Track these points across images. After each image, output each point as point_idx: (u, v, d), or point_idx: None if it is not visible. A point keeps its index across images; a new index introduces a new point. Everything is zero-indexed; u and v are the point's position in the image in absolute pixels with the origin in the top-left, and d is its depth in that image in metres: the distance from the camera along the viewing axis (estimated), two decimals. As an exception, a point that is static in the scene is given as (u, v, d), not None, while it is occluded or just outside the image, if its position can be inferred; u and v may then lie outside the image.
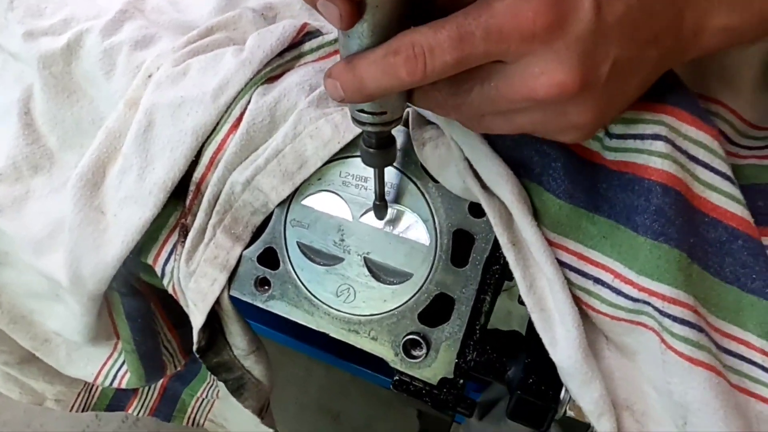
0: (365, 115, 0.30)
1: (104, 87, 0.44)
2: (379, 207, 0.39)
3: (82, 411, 0.87)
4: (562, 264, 0.36)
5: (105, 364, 0.64)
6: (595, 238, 0.35)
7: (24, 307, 0.59)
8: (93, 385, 0.86)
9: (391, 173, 0.40)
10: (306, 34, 0.43)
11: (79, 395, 0.86)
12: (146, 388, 0.92)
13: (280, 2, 0.47)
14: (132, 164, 0.41)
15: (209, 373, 0.91)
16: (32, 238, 0.46)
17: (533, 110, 0.28)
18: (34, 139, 0.47)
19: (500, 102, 0.28)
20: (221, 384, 0.87)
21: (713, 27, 0.29)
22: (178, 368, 0.75)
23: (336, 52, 0.43)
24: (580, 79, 0.26)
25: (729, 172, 0.34)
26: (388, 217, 0.39)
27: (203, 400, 0.96)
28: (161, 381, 0.92)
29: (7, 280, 0.56)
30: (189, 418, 0.97)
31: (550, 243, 0.35)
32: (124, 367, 0.64)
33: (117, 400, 0.91)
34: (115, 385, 0.66)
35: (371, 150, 0.34)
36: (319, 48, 0.43)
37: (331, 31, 0.44)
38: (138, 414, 0.92)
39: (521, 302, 0.47)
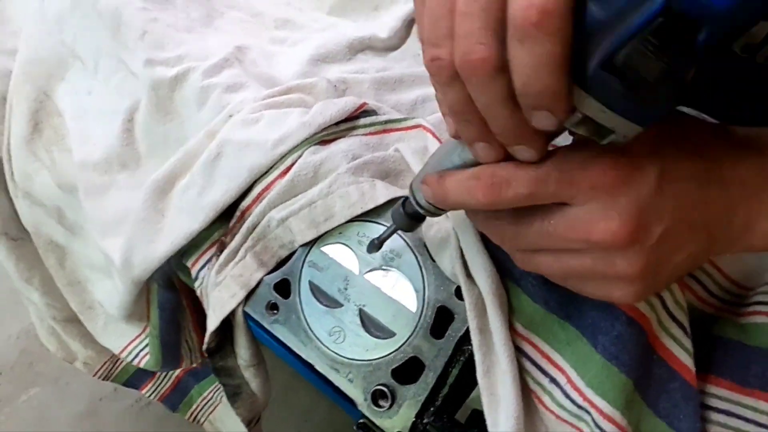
0: (432, 206, 0.36)
1: (194, 116, 0.54)
2: (375, 246, 0.44)
3: (104, 379, 0.95)
4: (526, 356, 0.40)
5: (132, 342, 0.72)
6: (562, 342, 0.39)
7: (82, 274, 0.69)
8: (118, 360, 0.94)
9: (399, 244, 0.46)
10: (363, 111, 0.51)
11: (105, 364, 0.93)
12: (163, 376, 0.99)
13: (353, 79, 0.55)
14: (196, 182, 0.50)
15: (219, 377, 0.97)
16: (103, 221, 0.55)
17: (584, 253, 0.30)
18: (129, 143, 0.57)
19: (556, 239, 0.30)
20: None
21: (762, 229, 0.31)
22: (194, 364, 0.81)
23: (384, 131, 0.51)
24: (632, 231, 0.28)
25: (686, 324, 0.38)
26: (390, 281, 0.45)
27: (208, 400, 1.01)
28: (177, 372, 0.99)
29: (75, 248, 0.66)
30: (192, 413, 1.02)
31: (520, 335, 0.40)
32: (147, 349, 0.72)
33: (135, 379, 0.98)
34: (136, 362, 0.73)
35: (404, 215, 0.39)
36: (371, 125, 0.50)
37: (386, 113, 0.51)
38: (150, 396, 0.98)
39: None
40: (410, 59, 0.60)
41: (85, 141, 0.57)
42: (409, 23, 0.60)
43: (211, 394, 0.98)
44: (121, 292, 0.56)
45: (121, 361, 0.94)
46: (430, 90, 0.57)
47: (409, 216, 0.39)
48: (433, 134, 0.48)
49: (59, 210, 0.63)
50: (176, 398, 1.00)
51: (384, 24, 0.60)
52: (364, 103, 0.50)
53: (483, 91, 0.25)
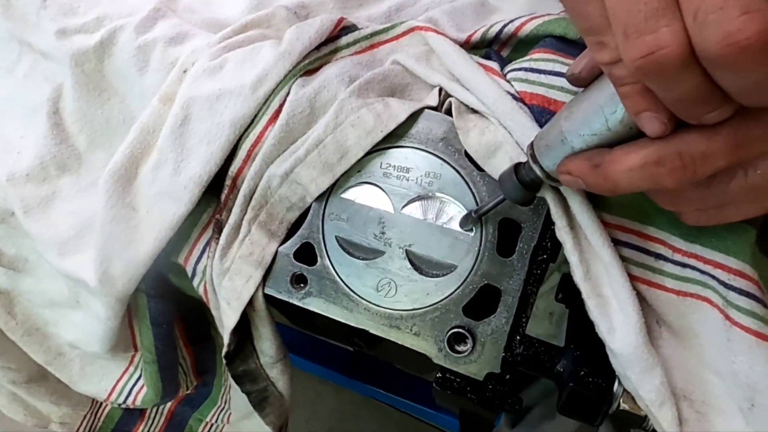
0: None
1: (136, 84, 0.44)
2: (472, 219, 0.38)
3: (87, 435, 0.84)
4: (622, 243, 0.35)
5: (120, 379, 0.62)
6: (653, 212, 0.34)
7: (39, 318, 0.57)
8: (99, 408, 0.83)
9: (433, 163, 0.39)
10: (342, 28, 0.43)
11: (84, 418, 0.83)
12: (153, 412, 0.89)
13: (313, 1, 0.47)
14: (167, 159, 0.41)
15: (220, 396, 0.88)
16: (58, 239, 0.44)
17: None
18: (62, 139, 0.46)
19: (765, 188, 0.26)
20: (233, 406, 0.84)
21: None
22: (189, 390, 0.72)
23: (372, 46, 0.43)
24: None
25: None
26: (434, 208, 0.39)
27: (212, 425, 0.92)
28: (169, 405, 0.89)
29: (24, 289, 0.55)
30: (195, 446, 0.93)
31: (608, 225, 0.35)
32: (140, 382, 0.62)
33: (123, 424, 0.88)
34: (129, 402, 0.63)
35: (519, 185, 0.32)
36: (355, 42, 0.43)
37: (367, 26, 0.44)
38: (144, 440, 0.88)
39: (558, 299, 0.47)
40: (365, -28, 0.52)
41: (5, 151, 0.45)
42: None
43: (214, 417, 0.89)
44: (104, 317, 0.46)
45: (104, 410, 0.83)
46: (401, -2, 0.49)
47: (525, 185, 0.32)
48: (435, 31, 0.41)
49: (-9, 247, 0.51)
50: (173, 434, 0.90)
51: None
52: (342, 19, 0.42)
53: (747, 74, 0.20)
